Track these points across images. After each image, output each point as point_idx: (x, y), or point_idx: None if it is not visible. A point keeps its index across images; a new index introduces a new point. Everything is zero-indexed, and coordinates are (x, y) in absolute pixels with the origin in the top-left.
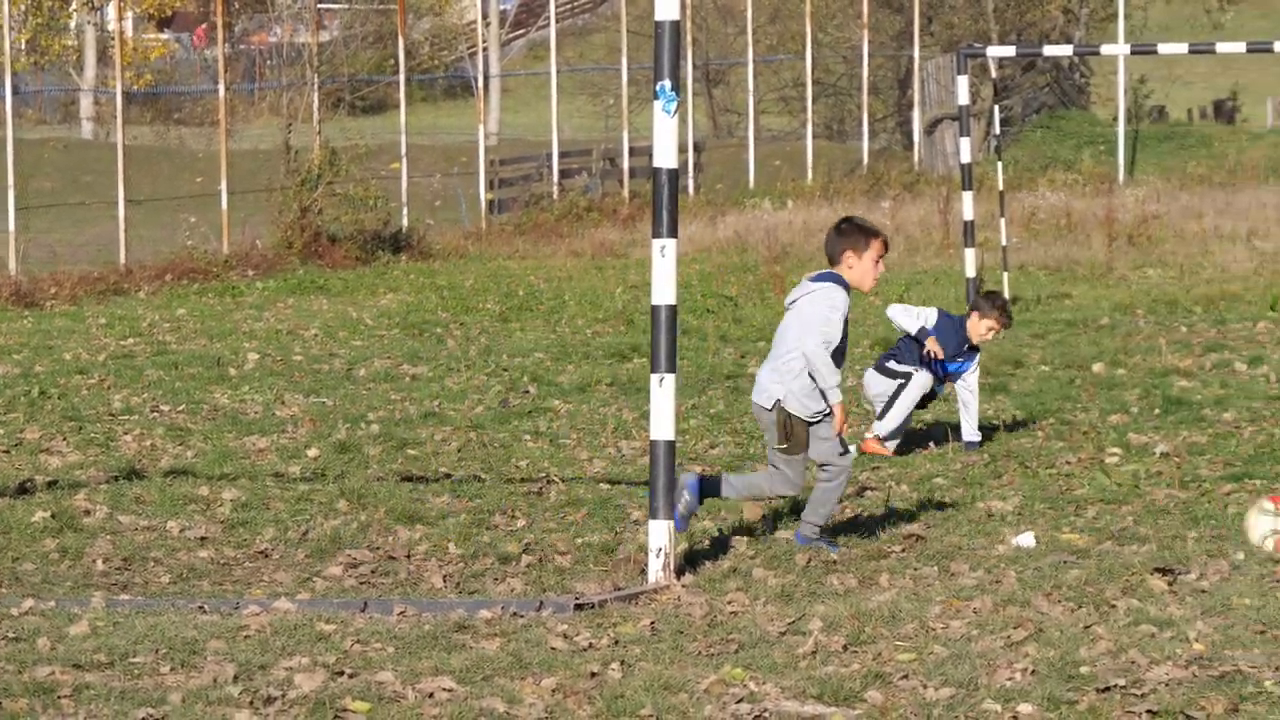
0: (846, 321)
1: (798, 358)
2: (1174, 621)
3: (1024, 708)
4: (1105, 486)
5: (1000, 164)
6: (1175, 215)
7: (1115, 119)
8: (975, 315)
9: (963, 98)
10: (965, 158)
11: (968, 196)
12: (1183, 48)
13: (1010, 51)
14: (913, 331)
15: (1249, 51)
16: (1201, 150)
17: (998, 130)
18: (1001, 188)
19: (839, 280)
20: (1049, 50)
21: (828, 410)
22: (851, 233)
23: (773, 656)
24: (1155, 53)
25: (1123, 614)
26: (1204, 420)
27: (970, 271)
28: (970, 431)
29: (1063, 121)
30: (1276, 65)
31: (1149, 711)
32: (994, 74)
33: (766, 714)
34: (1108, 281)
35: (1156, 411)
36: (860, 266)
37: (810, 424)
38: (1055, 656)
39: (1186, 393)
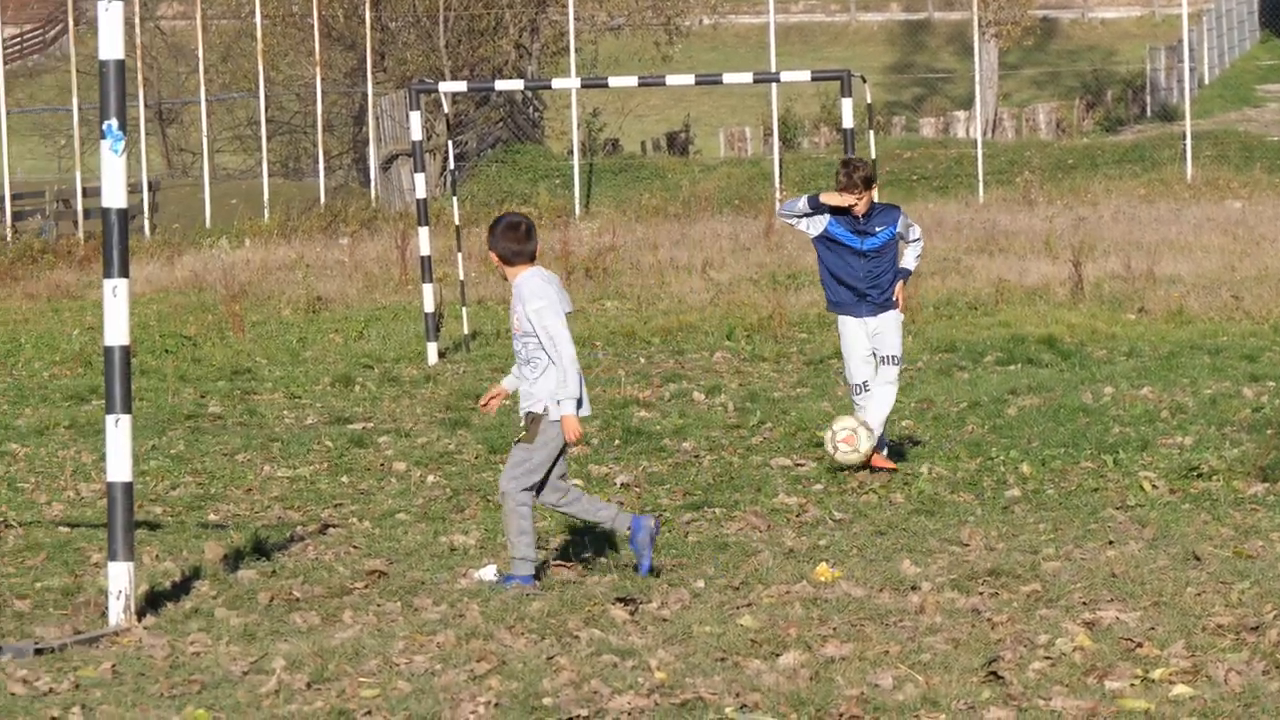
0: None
1: None
2: (636, 650)
3: None
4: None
5: (456, 199)
6: (631, 247)
7: (570, 152)
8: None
9: (416, 134)
10: (421, 193)
11: (424, 232)
12: (632, 80)
13: (462, 87)
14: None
15: (698, 84)
16: (656, 182)
17: (453, 165)
18: (458, 223)
19: None
20: (501, 85)
21: None
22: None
23: (235, 696)
24: (606, 86)
25: (585, 644)
26: (664, 450)
27: (429, 306)
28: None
29: (518, 156)
30: (727, 97)
31: None
32: (447, 109)
33: None
34: None
35: (617, 442)
36: None
37: None
38: (518, 689)
39: (646, 423)
